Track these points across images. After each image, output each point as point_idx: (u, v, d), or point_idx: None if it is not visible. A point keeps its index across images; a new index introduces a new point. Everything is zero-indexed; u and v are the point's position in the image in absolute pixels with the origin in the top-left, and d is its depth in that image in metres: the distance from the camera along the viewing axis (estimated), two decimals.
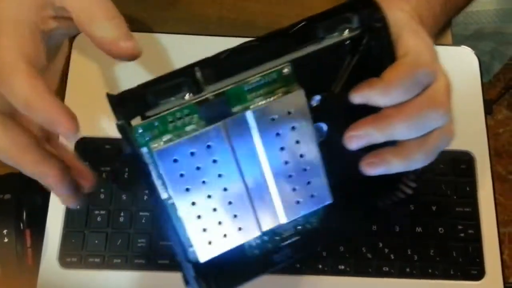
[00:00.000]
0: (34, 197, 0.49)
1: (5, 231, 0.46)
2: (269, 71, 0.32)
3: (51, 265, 0.46)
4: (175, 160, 0.31)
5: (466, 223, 0.49)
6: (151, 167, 0.32)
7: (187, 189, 0.32)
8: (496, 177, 0.51)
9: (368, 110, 0.34)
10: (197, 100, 0.31)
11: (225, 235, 0.34)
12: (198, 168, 0.32)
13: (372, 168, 0.34)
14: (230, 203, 0.34)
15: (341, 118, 0.34)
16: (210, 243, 0.34)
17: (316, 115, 0.34)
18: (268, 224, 0.35)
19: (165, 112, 0.31)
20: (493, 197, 0.50)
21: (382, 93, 0.32)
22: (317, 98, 0.34)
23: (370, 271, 0.48)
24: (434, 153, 0.35)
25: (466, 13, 0.88)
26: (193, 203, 0.33)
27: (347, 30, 0.33)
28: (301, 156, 0.34)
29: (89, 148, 0.50)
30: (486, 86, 0.55)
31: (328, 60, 0.33)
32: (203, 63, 0.31)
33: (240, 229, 0.35)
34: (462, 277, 0.48)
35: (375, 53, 0.33)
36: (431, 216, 0.49)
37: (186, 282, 0.36)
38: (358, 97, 0.33)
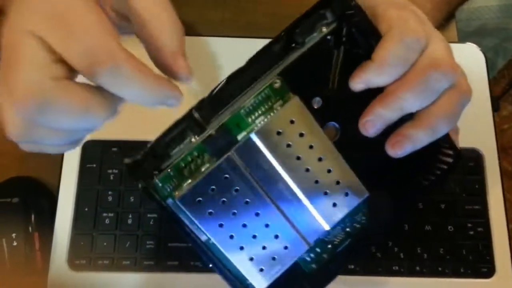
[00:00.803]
0: (42, 200, 0.49)
1: (13, 235, 0.46)
2: (261, 89, 0.32)
3: (60, 267, 0.46)
4: (199, 201, 0.33)
5: (475, 221, 0.49)
6: (182, 216, 0.34)
7: (221, 225, 0.34)
8: (502, 174, 0.51)
9: (375, 96, 0.33)
10: (201, 139, 0.32)
11: (273, 258, 0.35)
12: (223, 202, 0.33)
13: (398, 148, 0.33)
14: (267, 225, 0.34)
15: (351, 111, 0.34)
16: (262, 270, 0.35)
17: (324, 115, 0.34)
18: (313, 235, 0.36)
19: (176, 160, 0.32)
20: (503, 194, 0.50)
21: (377, 72, 0.32)
22: (317, 99, 0.34)
23: (379, 270, 0.47)
24: (455, 114, 0.33)
25: (469, 9, 0.88)
26: (231, 237, 0.34)
27: (324, 27, 0.33)
28: (320, 159, 0.34)
29: (96, 150, 0.49)
30: (490, 83, 0.54)
31: (317, 61, 0.34)
32: (198, 104, 0.31)
33: (286, 247, 0.35)
34: (472, 275, 0.48)
35: (361, 39, 0.33)
36: (440, 214, 0.49)
37: None
38: (356, 84, 0.33)
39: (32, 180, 0.50)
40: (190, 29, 0.56)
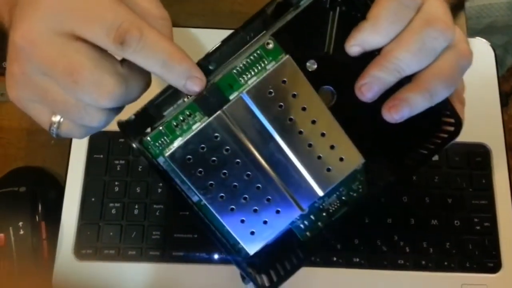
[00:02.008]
0: (49, 190, 0.49)
1: (20, 224, 0.46)
2: (253, 50, 0.32)
3: (67, 257, 0.46)
4: (189, 159, 0.32)
5: (482, 216, 0.49)
6: (173, 174, 0.34)
7: (211, 185, 0.33)
8: (510, 171, 0.51)
9: (371, 59, 0.32)
10: (193, 99, 0.32)
11: (265, 222, 0.35)
12: (213, 161, 0.33)
13: (394, 112, 0.32)
14: (258, 188, 0.34)
15: (348, 75, 0.33)
16: (252, 233, 0.35)
17: (319, 79, 0.33)
18: (306, 200, 0.35)
19: (168, 119, 0.32)
20: (510, 190, 0.50)
21: (373, 31, 0.31)
22: (312, 62, 0.34)
23: (385, 263, 0.47)
24: (453, 76, 0.32)
25: (478, 6, 0.87)
26: (222, 197, 0.34)
27: None
28: (313, 122, 0.33)
29: (103, 141, 0.50)
30: (499, 78, 0.54)
31: (312, 23, 0.33)
32: None
33: (278, 212, 0.35)
34: (478, 270, 0.48)
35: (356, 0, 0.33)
36: (446, 209, 0.49)
37: (243, 278, 0.36)
38: (352, 46, 0.32)
39: (39, 170, 0.51)
40: (199, 21, 0.56)
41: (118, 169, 0.49)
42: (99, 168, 0.49)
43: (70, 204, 0.48)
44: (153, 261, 0.47)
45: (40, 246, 0.46)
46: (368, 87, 0.32)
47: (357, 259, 0.47)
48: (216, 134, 0.32)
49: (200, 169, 0.33)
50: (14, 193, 0.47)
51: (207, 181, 0.33)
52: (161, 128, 0.32)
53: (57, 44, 0.27)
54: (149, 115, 0.32)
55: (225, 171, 0.33)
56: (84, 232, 0.47)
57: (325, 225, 0.38)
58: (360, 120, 0.34)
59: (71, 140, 0.50)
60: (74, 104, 0.29)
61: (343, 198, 0.38)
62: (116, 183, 0.48)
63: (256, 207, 0.34)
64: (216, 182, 0.33)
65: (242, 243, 0.35)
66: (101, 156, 0.49)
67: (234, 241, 0.36)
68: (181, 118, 0.32)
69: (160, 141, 0.33)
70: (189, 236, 0.47)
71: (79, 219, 0.47)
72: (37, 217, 0.47)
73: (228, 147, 0.33)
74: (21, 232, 0.45)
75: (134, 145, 0.32)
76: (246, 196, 0.34)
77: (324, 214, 0.38)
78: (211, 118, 0.32)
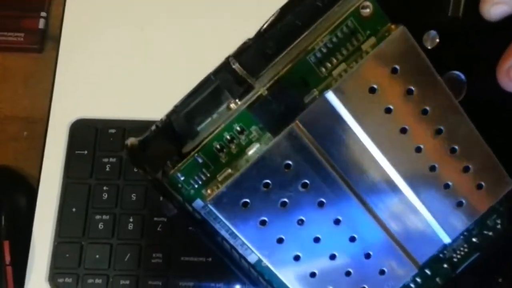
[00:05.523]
0: (17, 197, 0.43)
1: None
2: (340, 20, 0.25)
3: (39, 287, 0.40)
4: (245, 205, 0.25)
5: None
6: (217, 225, 0.27)
7: (280, 240, 0.26)
8: None
9: None
10: (246, 104, 0.25)
11: None
12: (284, 203, 0.25)
13: None
14: (352, 239, 0.27)
15: (485, 53, 0.26)
16: None
17: (442, 61, 0.26)
18: (424, 251, 0.28)
19: (207, 139, 0.25)
20: None
21: None
22: (432, 34, 0.27)
23: None
24: None
25: None
26: (297, 258, 0.26)
27: None
28: (439, 131, 0.25)
29: (88, 132, 0.43)
30: None
31: None
32: (239, 49, 0.25)
33: (382, 273, 0.28)
34: None
35: None
36: None
37: None
38: (493, 6, 0.25)
39: (5, 169, 0.44)
40: None
41: (108, 169, 0.42)
42: (82, 168, 0.42)
43: (43, 216, 0.41)
44: None
45: (3, 273, 0.40)
46: None
47: None
48: (288, 162, 0.24)
49: (264, 218, 0.25)
50: None
51: (274, 236, 0.26)
52: (196, 155, 0.25)
53: None
54: (173, 132, 0.25)
55: (302, 217, 0.26)
56: (62, 254, 0.41)
57: (447, 282, 0.31)
58: (502, 121, 0.27)
59: (46, 130, 0.43)
60: None
61: (474, 240, 0.30)
62: (105, 188, 0.42)
63: (349, 269, 0.27)
64: (288, 236, 0.26)
65: None
66: (85, 152, 0.43)
67: None
68: (228, 137, 0.25)
69: (196, 176, 0.26)
70: (201, 260, 0.40)
71: (55, 236, 0.41)
72: None
73: (306, 181, 0.25)
74: None
75: (151, 180, 0.25)
76: (335, 253, 0.27)
77: (445, 265, 0.31)
78: (279, 136, 0.24)
